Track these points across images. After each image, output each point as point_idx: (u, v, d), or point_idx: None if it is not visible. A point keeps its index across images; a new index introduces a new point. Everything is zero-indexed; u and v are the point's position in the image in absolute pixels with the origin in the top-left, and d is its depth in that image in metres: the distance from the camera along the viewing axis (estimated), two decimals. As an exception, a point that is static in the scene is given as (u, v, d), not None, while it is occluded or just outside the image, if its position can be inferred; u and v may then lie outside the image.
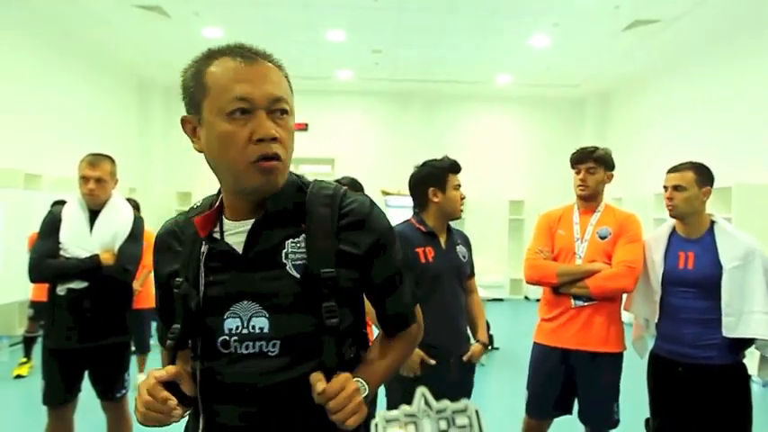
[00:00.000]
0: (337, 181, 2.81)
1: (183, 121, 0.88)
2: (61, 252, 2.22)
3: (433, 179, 2.08)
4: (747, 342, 1.97)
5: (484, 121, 9.24)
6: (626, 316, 2.21)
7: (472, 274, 2.24)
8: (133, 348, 3.03)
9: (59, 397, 2.28)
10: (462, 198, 2.11)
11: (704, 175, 2.05)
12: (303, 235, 0.86)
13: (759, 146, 5.30)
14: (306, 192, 0.90)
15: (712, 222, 2.07)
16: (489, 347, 2.21)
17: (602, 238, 2.17)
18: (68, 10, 5.90)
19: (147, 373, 3.27)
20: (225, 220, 0.90)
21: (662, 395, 2.10)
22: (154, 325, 5.23)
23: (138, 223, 2.39)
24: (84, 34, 6.62)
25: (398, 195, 8.12)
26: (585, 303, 2.12)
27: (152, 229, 3.01)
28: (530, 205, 8.65)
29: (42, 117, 6.17)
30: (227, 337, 0.85)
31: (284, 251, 0.85)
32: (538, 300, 2.38)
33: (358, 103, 8.99)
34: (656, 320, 2.12)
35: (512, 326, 6.83)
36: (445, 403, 0.44)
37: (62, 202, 2.46)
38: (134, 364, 2.98)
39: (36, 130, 6.05)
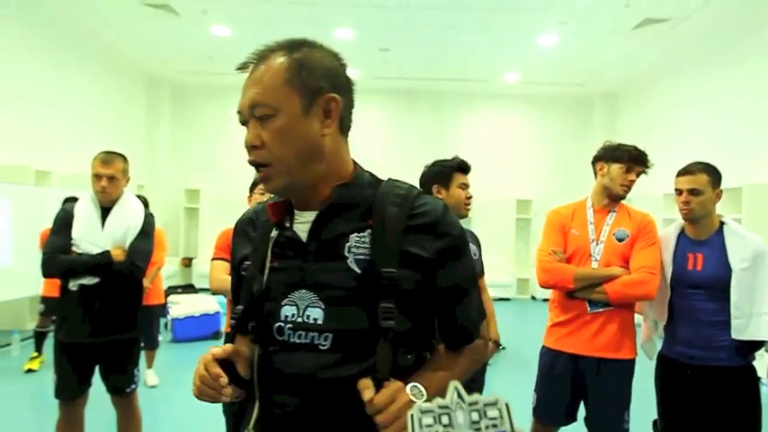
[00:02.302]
0: None
1: None
2: (73, 248, 2.24)
3: (439, 177, 2.13)
4: (757, 344, 1.96)
5: (491, 119, 9.21)
6: (635, 318, 2.19)
7: (482, 274, 2.23)
8: (142, 344, 3.06)
9: (71, 391, 2.31)
10: (469, 198, 2.12)
11: (716, 177, 2.03)
12: (368, 231, 0.85)
13: (770, 146, 5.25)
14: (377, 188, 0.89)
15: (721, 223, 2.05)
16: (500, 346, 2.19)
17: (620, 240, 2.07)
18: (78, 9, 5.94)
19: (154, 369, 3.25)
20: (295, 209, 0.91)
21: (670, 397, 2.09)
22: (162, 321, 5.29)
23: (148, 220, 2.41)
24: (93, 33, 6.67)
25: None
26: (602, 309, 2.04)
27: (160, 226, 3.05)
28: (537, 204, 8.62)
29: (53, 114, 6.22)
30: (282, 324, 0.85)
31: (347, 244, 0.85)
32: (545, 300, 2.34)
33: (365, 102, 8.95)
34: (664, 322, 2.11)
35: (518, 326, 6.82)
36: (476, 396, 0.45)
37: (74, 199, 2.48)
38: (142, 360, 3.00)
39: (46, 127, 6.11)
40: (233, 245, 1.00)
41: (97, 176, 2.27)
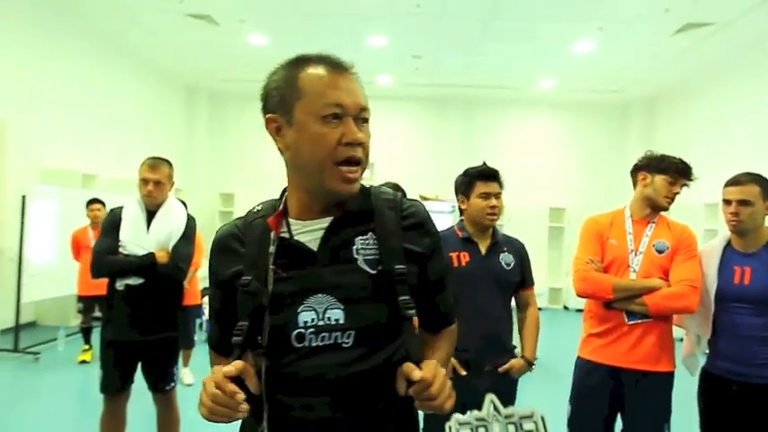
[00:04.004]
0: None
1: (268, 120, 0.93)
2: (120, 249, 2.35)
3: (462, 186, 2.11)
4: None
5: (524, 126, 9.11)
6: (676, 331, 2.12)
7: (526, 286, 2.16)
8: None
9: (115, 386, 2.41)
10: (492, 207, 2.03)
11: (767, 187, 1.96)
12: (371, 233, 0.94)
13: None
14: (369, 194, 0.98)
15: (771, 235, 1.98)
16: (533, 366, 2.12)
17: (660, 252, 2.03)
18: (124, 22, 6.22)
19: (189, 368, 3.36)
20: (292, 221, 0.95)
21: (715, 416, 2.02)
22: (198, 321, 5.44)
23: (190, 224, 2.51)
24: (138, 45, 6.97)
25: (436, 200, 8.11)
26: (640, 321, 1.99)
27: (199, 229, 3.18)
28: (571, 213, 8.47)
29: (100, 122, 6.54)
30: (302, 330, 0.88)
31: (354, 247, 0.92)
32: (578, 310, 2.30)
33: (397, 109, 9.04)
34: (707, 337, 2.04)
35: (550, 336, 6.66)
36: (513, 409, 0.46)
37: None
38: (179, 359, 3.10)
39: (94, 133, 6.42)
40: (217, 261, 0.99)
41: (144, 181, 2.38)
